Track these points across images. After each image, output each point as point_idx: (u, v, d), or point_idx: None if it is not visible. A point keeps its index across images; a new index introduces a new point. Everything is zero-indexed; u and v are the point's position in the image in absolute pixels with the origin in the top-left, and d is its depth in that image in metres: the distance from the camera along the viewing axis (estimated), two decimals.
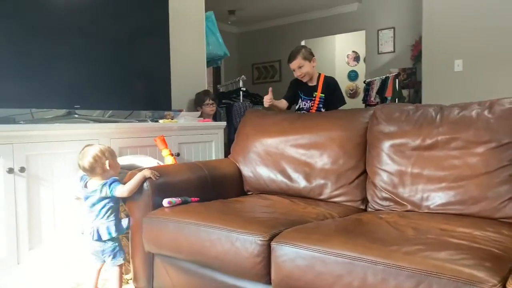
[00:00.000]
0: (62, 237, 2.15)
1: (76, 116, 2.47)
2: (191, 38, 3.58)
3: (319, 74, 2.93)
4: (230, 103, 4.37)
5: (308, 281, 1.29)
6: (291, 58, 2.88)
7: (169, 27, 2.96)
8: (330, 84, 2.91)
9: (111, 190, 1.82)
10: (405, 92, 5.47)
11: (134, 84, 2.76)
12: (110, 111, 2.83)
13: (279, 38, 7.01)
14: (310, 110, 2.89)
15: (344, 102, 2.96)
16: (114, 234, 1.84)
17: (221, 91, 5.16)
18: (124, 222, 1.90)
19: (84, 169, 1.87)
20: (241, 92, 4.57)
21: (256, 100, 4.92)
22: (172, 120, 2.87)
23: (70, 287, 2.05)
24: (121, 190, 1.82)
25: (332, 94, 2.88)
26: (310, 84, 2.92)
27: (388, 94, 4.88)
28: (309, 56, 2.87)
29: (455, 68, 4.47)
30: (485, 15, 4.27)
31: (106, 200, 1.84)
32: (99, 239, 1.84)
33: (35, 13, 2.27)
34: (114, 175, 1.89)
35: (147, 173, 1.84)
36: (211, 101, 3.55)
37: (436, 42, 4.59)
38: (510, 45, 4.16)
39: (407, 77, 5.58)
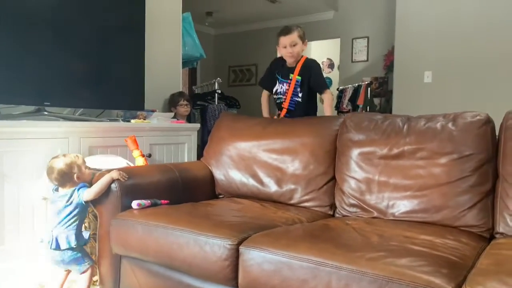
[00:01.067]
0: (26, 237, 2.09)
1: (46, 113, 2.42)
2: (167, 38, 3.56)
3: (301, 57, 2.63)
4: (205, 105, 4.36)
5: (274, 286, 1.31)
6: (286, 32, 2.52)
7: (145, 26, 2.94)
8: (310, 67, 2.60)
9: (79, 195, 1.79)
10: (376, 101, 5.61)
11: (107, 83, 2.72)
12: (81, 109, 2.78)
13: (256, 42, 7.05)
14: (286, 94, 2.63)
15: (326, 87, 2.65)
16: (73, 244, 1.78)
17: (196, 92, 5.15)
18: (86, 234, 1.86)
19: (53, 184, 1.83)
20: (216, 95, 4.57)
21: (231, 103, 4.93)
22: (145, 121, 2.84)
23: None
24: (88, 194, 1.79)
25: (311, 78, 2.58)
26: (288, 66, 2.63)
27: (360, 102, 4.99)
28: (304, 36, 2.58)
29: (425, 79, 4.62)
30: (455, 29, 4.44)
31: (72, 207, 1.80)
32: (57, 247, 1.78)
33: (4, 5, 2.21)
34: (84, 182, 1.85)
35: (114, 174, 1.82)
36: (185, 102, 3.54)
37: (407, 53, 4.74)
38: (477, 59, 4.33)
39: (379, 86, 5.73)
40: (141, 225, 1.67)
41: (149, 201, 1.84)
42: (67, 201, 1.79)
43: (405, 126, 1.86)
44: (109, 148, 2.48)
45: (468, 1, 4.36)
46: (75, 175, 1.82)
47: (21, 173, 2.08)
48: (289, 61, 2.62)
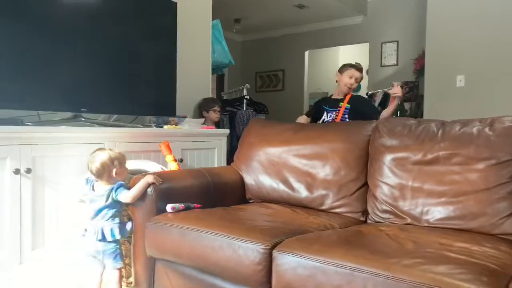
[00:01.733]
0: (65, 239, 2.17)
1: (83, 119, 2.51)
2: (197, 46, 3.63)
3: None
4: (234, 111, 4.40)
5: None
6: (359, 68, 2.95)
7: (177, 34, 3.01)
8: (358, 98, 2.96)
9: (116, 195, 1.85)
10: (407, 105, 5.51)
11: (140, 89, 2.80)
12: (116, 115, 2.86)
13: (284, 48, 7.07)
14: (334, 121, 2.88)
15: (378, 112, 2.92)
16: (117, 236, 1.87)
17: (224, 98, 5.21)
18: (128, 225, 1.92)
19: (91, 173, 1.90)
20: (244, 100, 4.61)
21: (260, 108, 4.96)
22: (176, 126, 2.90)
23: None
24: (125, 196, 1.85)
25: (361, 107, 2.88)
26: (336, 98, 2.98)
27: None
28: None
29: (457, 84, 4.51)
30: (488, 31, 4.32)
31: (111, 206, 1.87)
32: (103, 239, 1.86)
33: (43, 15, 2.31)
34: (121, 181, 1.92)
35: (150, 178, 1.87)
36: (218, 108, 3.61)
37: (439, 57, 4.64)
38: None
39: (409, 90, 5.63)
40: (176, 228, 1.70)
41: (182, 205, 1.88)
42: (106, 201, 1.86)
43: (440, 131, 1.83)
44: (143, 153, 2.55)
45: (501, 3, 4.24)
46: (114, 170, 1.87)
47: (60, 176, 2.17)
48: (344, 91, 2.94)
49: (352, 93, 2.96)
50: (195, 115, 3.56)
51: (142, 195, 1.87)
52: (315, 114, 3.05)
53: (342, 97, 2.92)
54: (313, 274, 1.30)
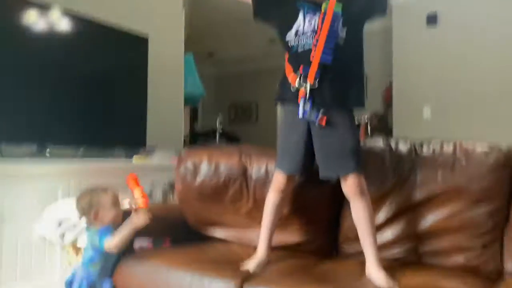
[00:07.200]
0: (27, 281, 2.04)
1: (48, 155, 2.42)
2: (169, 78, 3.62)
3: None
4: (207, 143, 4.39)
5: None
6: None
7: (148, 67, 3.00)
8: None
9: (100, 241, 1.58)
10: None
11: (109, 123, 2.75)
12: (82, 149, 2.78)
13: (257, 80, 7.17)
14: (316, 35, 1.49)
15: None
16: None
17: (196, 131, 5.19)
18: (106, 285, 1.64)
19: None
20: (217, 132, 4.61)
21: (232, 139, 4.96)
22: (146, 159, 2.84)
23: None
24: (109, 245, 1.58)
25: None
26: None
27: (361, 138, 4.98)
28: None
29: (424, 115, 4.62)
30: (451, 62, 4.47)
31: (93, 251, 1.63)
32: (68, 286, 1.67)
33: (10, 46, 2.25)
34: (111, 223, 1.64)
35: (140, 220, 1.58)
36: None
37: (406, 89, 4.77)
38: (477, 91, 4.32)
39: (379, 121, 5.75)
40: (142, 267, 1.62)
41: (150, 243, 1.79)
42: (87, 243, 1.66)
43: (416, 172, 1.82)
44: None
45: (462, 36, 4.41)
46: (92, 212, 1.62)
47: (20, 214, 2.06)
48: None
49: None
50: (166, 147, 3.50)
51: None
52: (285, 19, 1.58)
53: None
54: None
